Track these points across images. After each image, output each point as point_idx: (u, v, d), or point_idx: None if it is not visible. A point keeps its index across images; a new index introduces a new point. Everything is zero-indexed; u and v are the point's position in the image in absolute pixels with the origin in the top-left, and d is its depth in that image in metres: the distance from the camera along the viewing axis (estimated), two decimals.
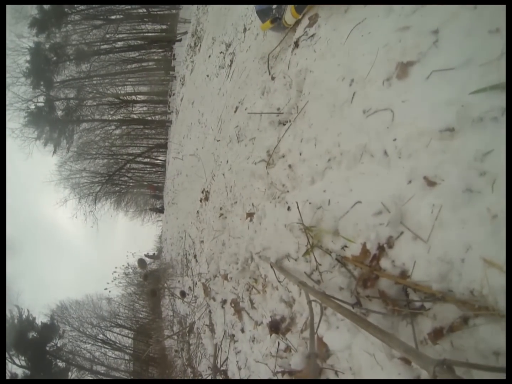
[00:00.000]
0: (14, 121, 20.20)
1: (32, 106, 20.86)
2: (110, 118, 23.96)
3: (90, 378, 18.93)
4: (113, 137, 24.47)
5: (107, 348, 20.34)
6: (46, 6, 18.96)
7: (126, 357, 20.30)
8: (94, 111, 23.48)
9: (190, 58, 11.51)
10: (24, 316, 19.30)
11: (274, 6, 2.36)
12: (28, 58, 19.92)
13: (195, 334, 4.28)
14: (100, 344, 20.30)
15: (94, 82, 23.00)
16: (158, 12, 21.25)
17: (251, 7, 3.85)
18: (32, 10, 19.03)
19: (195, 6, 12.52)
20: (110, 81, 23.58)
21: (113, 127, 24.27)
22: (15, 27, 19.19)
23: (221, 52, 5.52)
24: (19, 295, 20.21)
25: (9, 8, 17.59)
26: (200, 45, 9.52)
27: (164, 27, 22.19)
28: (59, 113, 21.88)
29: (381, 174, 1.24)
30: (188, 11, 16.01)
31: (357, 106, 1.44)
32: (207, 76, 6.75)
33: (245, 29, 4.21)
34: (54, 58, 20.48)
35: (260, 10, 2.55)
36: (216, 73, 5.78)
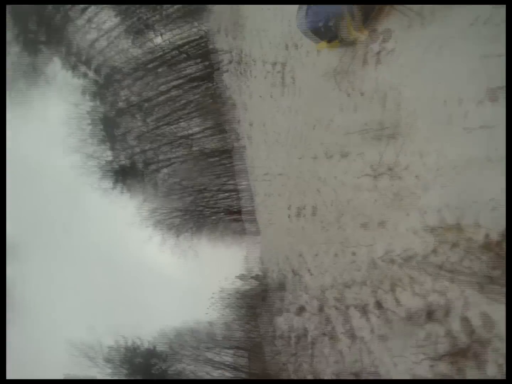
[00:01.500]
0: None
1: (116, 166, 22.63)
2: (174, 156, 25.32)
3: None
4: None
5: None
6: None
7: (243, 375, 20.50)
8: (158, 153, 25.02)
9: (245, 84, 11.48)
10: (129, 344, 20.34)
11: (321, 24, 2.49)
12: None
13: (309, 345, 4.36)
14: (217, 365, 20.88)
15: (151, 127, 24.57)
16: (197, 52, 22.12)
17: (293, 24, 3.81)
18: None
19: (227, 35, 12.65)
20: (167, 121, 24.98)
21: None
22: None
23: (278, 72, 5.33)
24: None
25: None
26: (251, 70, 9.49)
27: (207, 63, 22.98)
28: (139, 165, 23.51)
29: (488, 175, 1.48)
30: (221, 41, 16.24)
31: (456, 124, 1.62)
32: (271, 96, 6.50)
33: (296, 46, 4.17)
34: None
35: (310, 29, 2.66)
36: (281, 92, 5.54)
